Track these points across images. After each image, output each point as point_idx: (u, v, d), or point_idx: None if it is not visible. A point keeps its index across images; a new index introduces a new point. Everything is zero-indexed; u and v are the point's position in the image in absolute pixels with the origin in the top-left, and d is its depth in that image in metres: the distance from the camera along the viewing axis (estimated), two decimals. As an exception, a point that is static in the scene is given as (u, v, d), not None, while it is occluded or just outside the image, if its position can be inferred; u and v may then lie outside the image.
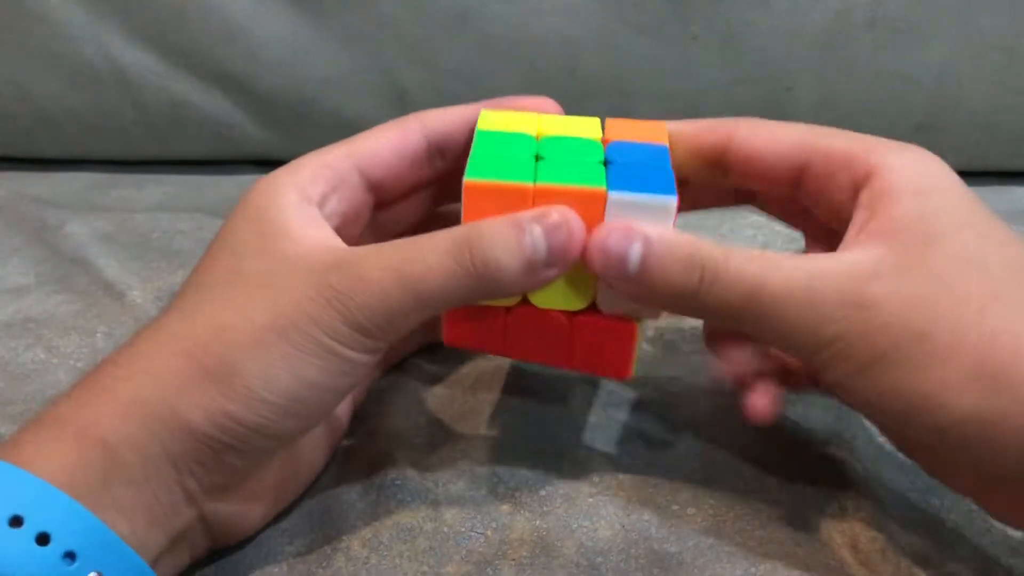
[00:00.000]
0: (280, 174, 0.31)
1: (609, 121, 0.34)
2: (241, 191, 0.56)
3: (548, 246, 0.28)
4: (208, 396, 0.26)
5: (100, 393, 0.27)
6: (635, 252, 0.28)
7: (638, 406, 0.38)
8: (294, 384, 0.27)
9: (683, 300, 0.29)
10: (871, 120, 0.55)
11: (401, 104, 0.55)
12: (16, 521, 0.23)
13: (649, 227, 0.28)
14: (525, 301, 0.31)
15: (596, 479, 0.34)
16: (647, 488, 0.34)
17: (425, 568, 0.31)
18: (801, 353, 0.29)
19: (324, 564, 0.31)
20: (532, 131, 0.32)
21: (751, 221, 0.51)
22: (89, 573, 0.24)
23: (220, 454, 0.27)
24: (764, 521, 0.32)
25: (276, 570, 0.31)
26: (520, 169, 0.30)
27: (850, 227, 0.30)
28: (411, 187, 0.35)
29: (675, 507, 0.33)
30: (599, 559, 0.31)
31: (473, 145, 0.31)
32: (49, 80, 0.55)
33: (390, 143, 0.33)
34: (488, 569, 0.31)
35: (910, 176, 0.29)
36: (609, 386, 0.39)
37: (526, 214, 0.28)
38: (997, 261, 0.28)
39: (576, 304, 0.31)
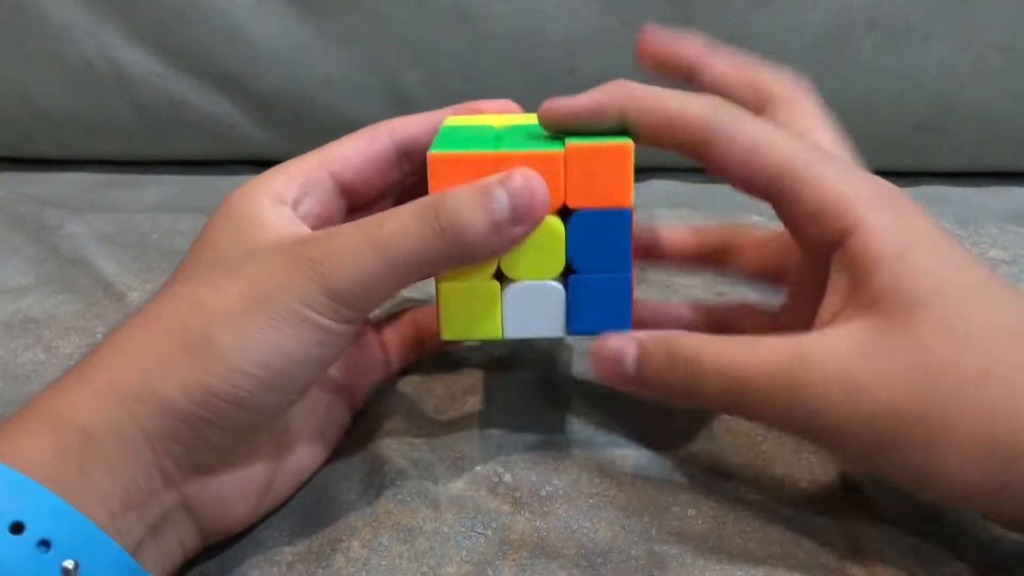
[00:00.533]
0: (255, 181, 0.32)
1: (569, 147, 0.31)
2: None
3: (512, 204, 0.29)
4: (185, 370, 0.26)
5: (79, 381, 0.27)
6: (629, 364, 0.31)
7: (638, 407, 0.38)
8: (271, 354, 0.27)
9: (679, 397, 0.30)
10: (871, 120, 0.55)
11: (401, 104, 0.55)
12: None
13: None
14: (500, 275, 0.31)
15: (596, 480, 0.34)
16: (647, 489, 0.34)
17: (425, 568, 0.31)
18: (806, 440, 0.29)
19: (324, 564, 0.31)
20: (494, 124, 0.34)
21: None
22: (65, 561, 0.24)
23: (198, 430, 0.27)
24: (764, 522, 0.32)
25: (275, 570, 0.31)
26: (482, 143, 0.31)
27: (828, 293, 0.29)
28: (381, 191, 0.36)
29: (675, 508, 0.33)
30: (599, 560, 0.31)
31: (437, 134, 0.33)
32: (49, 81, 0.55)
33: (359, 148, 0.34)
34: (488, 570, 0.30)
35: (887, 238, 0.28)
36: (610, 388, 0.39)
37: (490, 178, 0.29)
38: (983, 324, 0.27)
39: (550, 272, 0.31)
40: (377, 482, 0.34)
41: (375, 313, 0.38)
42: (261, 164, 0.60)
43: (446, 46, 0.54)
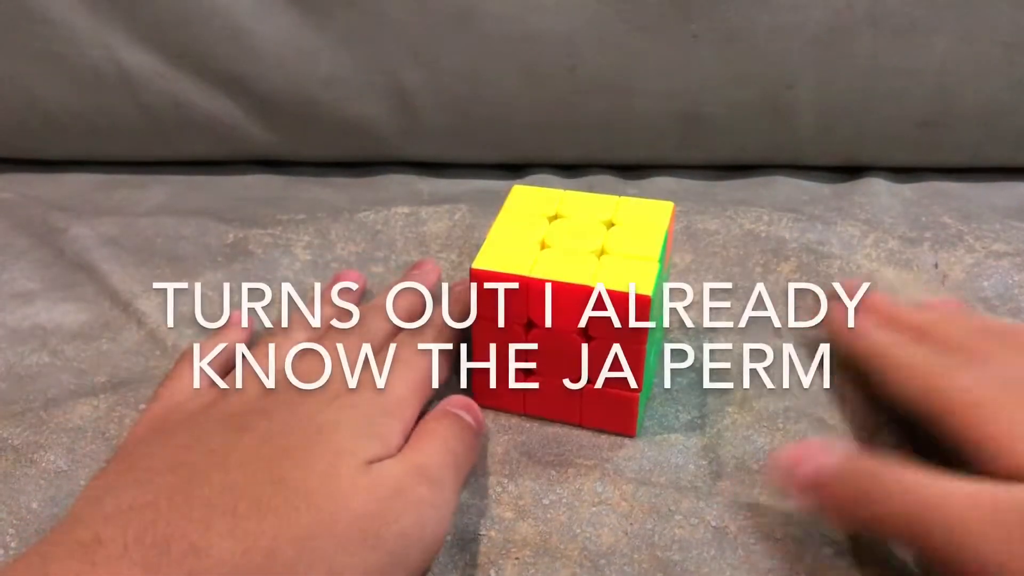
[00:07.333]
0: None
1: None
2: (245, 191, 0.55)
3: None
4: None
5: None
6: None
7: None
8: None
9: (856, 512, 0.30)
10: (873, 117, 0.55)
11: (402, 104, 0.55)
12: None
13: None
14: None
15: (599, 488, 0.34)
16: (650, 497, 0.34)
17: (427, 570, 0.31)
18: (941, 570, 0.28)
19: (330, 573, 0.31)
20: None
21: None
22: None
23: None
24: (768, 531, 0.33)
25: None
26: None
27: None
28: None
29: (678, 517, 0.33)
30: (602, 561, 0.31)
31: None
32: (53, 82, 0.55)
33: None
34: (491, 569, 0.31)
35: None
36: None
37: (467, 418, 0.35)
38: None
39: None
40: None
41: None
42: (264, 164, 0.60)
43: (446, 46, 0.53)
